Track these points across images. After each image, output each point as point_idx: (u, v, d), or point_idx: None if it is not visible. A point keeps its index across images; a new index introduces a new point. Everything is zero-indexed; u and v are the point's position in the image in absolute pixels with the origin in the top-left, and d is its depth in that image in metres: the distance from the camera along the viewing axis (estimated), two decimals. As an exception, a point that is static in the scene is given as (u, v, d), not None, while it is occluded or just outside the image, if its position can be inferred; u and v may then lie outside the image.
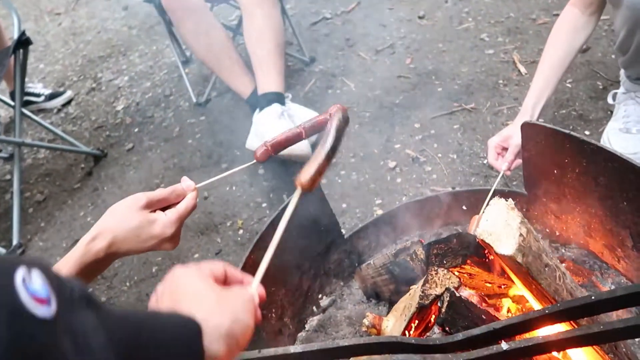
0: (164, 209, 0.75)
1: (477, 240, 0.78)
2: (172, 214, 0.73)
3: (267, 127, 1.51)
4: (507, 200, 0.81)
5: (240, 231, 1.52)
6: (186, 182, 0.78)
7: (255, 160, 0.86)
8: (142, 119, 2.21)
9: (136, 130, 2.14)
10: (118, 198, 1.72)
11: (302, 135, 0.88)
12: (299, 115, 1.64)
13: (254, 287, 0.58)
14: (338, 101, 1.97)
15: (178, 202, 0.76)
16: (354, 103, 1.93)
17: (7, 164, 2.13)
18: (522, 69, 1.88)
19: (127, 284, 1.45)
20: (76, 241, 1.63)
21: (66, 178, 1.97)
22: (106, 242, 0.72)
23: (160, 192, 0.75)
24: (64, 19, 3.60)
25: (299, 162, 1.54)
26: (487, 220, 0.78)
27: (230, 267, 0.60)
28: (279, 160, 1.56)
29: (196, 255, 1.47)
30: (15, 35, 1.74)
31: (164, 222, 0.72)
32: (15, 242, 1.65)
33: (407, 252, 0.93)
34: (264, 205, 1.59)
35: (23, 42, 1.74)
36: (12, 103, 1.79)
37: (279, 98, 1.60)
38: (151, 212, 0.73)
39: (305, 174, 0.67)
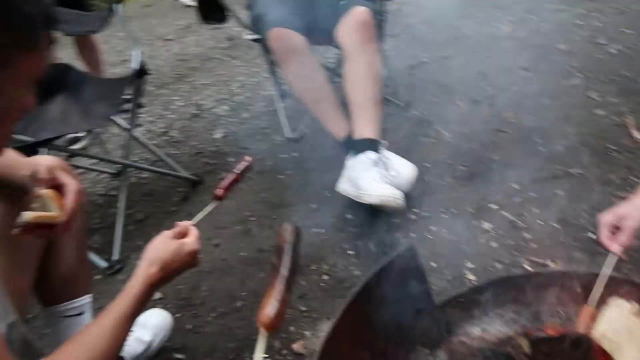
0: None
1: (593, 343, 0.73)
2: (193, 236, 0.97)
3: (360, 174, 1.52)
4: (629, 303, 0.74)
5: (325, 277, 1.52)
6: (183, 223, 1.01)
7: (216, 201, 1.16)
8: (238, 149, 2.31)
9: (232, 160, 2.24)
10: (210, 226, 1.78)
11: (239, 178, 1.24)
12: (393, 164, 1.64)
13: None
14: (432, 151, 1.94)
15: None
16: (448, 154, 1.89)
17: (114, 180, 2.30)
18: (637, 135, 1.75)
19: (212, 314, 1.49)
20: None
21: (165, 200, 2.08)
22: (158, 266, 0.90)
23: (174, 230, 0.98)
24: (174, 45, 3.88)
25: (376, 208, 1.52)
26: (607, 323, 0.72)
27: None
28: (369, 207, 1.55)
29: (280, 296, 1.49)
30: (136, 66, 1.89)
31: (190, 242, 0.95)
32: (115, 257, 1.77)
33: (511, 343, 0.88)
34: (350, 252, 1.59)
35: (141, 73, 1.89)
36: (127, 127, 1.94)
37: (374, 145, 1.61)
38: (178, 239, 0.96)
39: (266, 313, 0.70)
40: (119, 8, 1.96)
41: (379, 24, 1.82)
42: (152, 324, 1.42)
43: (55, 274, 1.18)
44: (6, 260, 1.03)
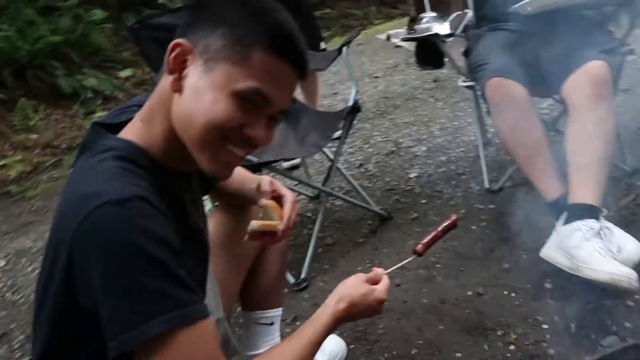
0: None
1: None
2: (383, 286, 0.99)
3: (578, 244, 1.36)
4: None
5: (512, 347, 1.39)
6: (379, 270, 1.04)
7: (415, 255, 1.15)
8: (431, 191, 2.28)
9: (423, 201, 2.22)
10: (393, 262, 1.78)
11: (439, 236, 1.19)
12: (615, 238, 1.43)
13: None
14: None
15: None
16: (685, 236, 1.58)
17: (310, 203, 2.48)
18: None
19: (386, 355, 1.48)
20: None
21: (354, 230, 2.16)
22: (346, 304, 0.93)
23: (369, 275, 1.01)
24: (381, 83, 4.07)
25: (599, 286, 1.33)
26: None
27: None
28: (574, 281, 1.38)
29: (458, 355, 1.41)
30: (351, 102, 2.03)
31: (381, 290, 0.98)
32: (303, 275, 1.89)
33: None
34: (545, 326, 1.43)
35: (355, 109, 2.01)
36: (331, 157, 2.08)
37: (593, 212, 1.43)
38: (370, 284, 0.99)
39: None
40: (345, 49, 2.13)
41: (614, 79, 1.63)
42: (329, 350, 1.47)
43: (258, 283, 1.31)
44: (225, 264, 1.18)
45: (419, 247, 1.15)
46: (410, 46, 4.55)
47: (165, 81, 0.82)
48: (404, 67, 4.29)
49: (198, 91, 0.79)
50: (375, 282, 1.01)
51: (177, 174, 0.89)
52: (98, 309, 0.72)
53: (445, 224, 1.20)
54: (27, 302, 2.19)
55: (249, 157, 1.82)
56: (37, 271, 2.43)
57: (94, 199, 0.72)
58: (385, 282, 1.01)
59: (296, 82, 0.86)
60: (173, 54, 0.80)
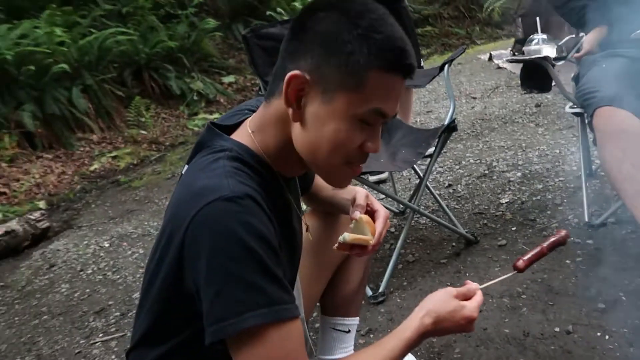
0: None
1: None
2: (474, 303, 0.93)
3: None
4: None
5: (601, 393, 1.29)
6: (473, 284, 0.98)
7: (515, 271, 1.05)
8: (523, 219, 2.18)
9: (513, 229, 2.13)
10: (478, 290, 1.69)
11: (545, 251, 1.07)
12: None
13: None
14: None
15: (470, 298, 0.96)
16: None
17: (395, 218, 2.48)
18: None
19: (460, 381, 1.44)
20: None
21: (437, 250, 2.13)
22: (432, 319, 0.90)
23: (461, 289, 0.95)
24: (478, 104, 3.97)
25: None
26: None
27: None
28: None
29: (539, 392, 1.33)
30: (447, 121, 2.00)
31: (471, 307, 0.92)
32: (381, 289, 1.89)
33: None
34: (642, 377, 1.31)
35: (451, 128, 1.98)
36: (421, 174, 2.07)
37: None
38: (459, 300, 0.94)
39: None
40: (446, 68, 2.11)
41: None
42: (402, 366, 1.46)
43: (339, 289, 1.34)
44: (311, 267, 1.22)
45: (520, 262, 1.05)
46: (514, 68, 4.40)
47: (280, 105, 0.85)
48: (504, 90, 4.15)
49: (320, 120, 0.83)
50: (466, 297, 0.95)
51: (284, 177, 0.95)
52: (201, 296, 0.78)
53: (553, 239, 1.08)
54: (125, 283, 2.39)
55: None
56: (135, 255, 2.66)
57: (209, 193, 0.78)
58: (477, 298, 0.94)
59: (404, 86, 0.88)
60: (291, 86, 0.82)
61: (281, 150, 0.89)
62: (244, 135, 0.91)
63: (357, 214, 1.06)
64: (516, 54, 2.28)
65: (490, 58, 5.49)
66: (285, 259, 0.91)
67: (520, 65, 2.23)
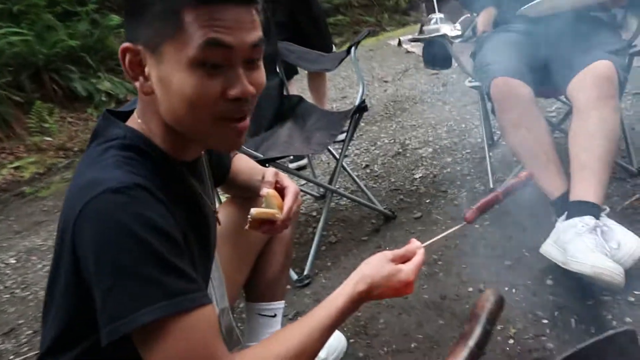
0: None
1: None
2: (412, 265, 0.91)
3: (571, 239, 1.36)
4: None
5: (511, 341, 1.39)
6: (414, 243, 0.96)
7: (465, 222, 1.04)
8: (436, 191, 2.29)
9: (427, 201, 2.23)
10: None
11: (500, 197, 1.06)
12: (616, 235, 1.42)
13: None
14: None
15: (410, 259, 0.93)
16: (690, 236, 1.57)
17: (316, 202, 2.50)
18: None
19: (385, 349, 1.49)
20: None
21: (357, 228, 2.18)
22: (366, 286, 0.87)
23: (399, 251, 0.93)
24: (390, 87, 4.10)
25: (596, 284, 1.33)
26: None
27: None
28: (574, 278, 1.37)
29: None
30: (358, 102, 2.05)
31: (408, 270, 0.89)
32: (306, 272, 1.90)
33: None
34: (545, 321, 1.42)
35: (361, 109, 2.03)
36: (337, 156, 2.10)
37: (594, 210, 1.43)
38: (396, 264, 0.91)
39: None
40: (353, 50, 2.15)
41: (621, 80, 1.63)
42: (329, 343, 1.47)
43: (263, 275, 1.33)
44: (232, 254, 1.20)
45: (469, 213, 1.02)
46: (421, 51, 4.58)
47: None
48: (413, 72, 4.32)
49: (163, 83, 0.77)
50: (405, 259, 0.92)
51: (185, 164, 0.90)
52: (94, 295, 0.74)
53: (513, 182, 1.03)
54: (36, 299, 2.23)
55: (256, 153, 1.86)
56: (46, 268, 2.48)
57: (96, 186, 0.74)
58: (416, 259, 0.91)
59: (248, 12, 0.77)
60: (127, 60, 0.79)
61: (166, 133, 0.84)
62: (135, 121, 0.87)
63: (265, 190, 1.05)
64: (419, 34, 2.37)
65: (400, 43, 5.68)
66: (195, 247, 0.89)
67: (423, 44, 2.33)
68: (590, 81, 1.59)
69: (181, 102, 0.77)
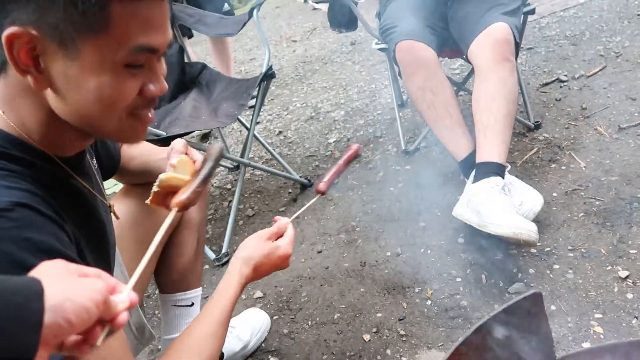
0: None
1: None
2: (287, 239, 0.99)
3: (484, 201, 1.41)
4: None
5: (429, 302, 1.44)
6: (282, 220, 1.02)
7: (318, 195, 1.17)
8: (350, 156, 2.29)
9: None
10: (314, 230, 1.77)
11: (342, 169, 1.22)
12: (518, 191, 1.50)
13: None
14: (562, 180, 1.76)
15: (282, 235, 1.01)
16: (581, 185, 1.70)
17: (230, 174, 2.42)
18: None
19: (309, 322, 1.49)
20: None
21: (274, 199, 2.13)
22: (250, 268, 0.95)
23: (271, 229, 1.00)
24: (299, 47, 3.99)
25: (512, 243, 1.40)
26: None
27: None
28: (484, 235, 1.44)
29: (379, 315, 1.44)
30: (264, 69, 1.95)
31: (285, 246, 0.98)
32: (224, 250, 1.84)
33: None
34: (458, 280, 1.49)
35: (269, 75, 1.94)
36: (248, 126, 2.01)
37: (499, 170, 1.49)
38: (272, 241, 0.99)
39: (182, 196, 0.80)
40: (255, 12, 2.04)
41: (517, 42, 1.69)
42: (252, 324, 1.45)
43: (174, 264, 1.25)
44: (134, 247, 1.11)
45: (321, 185, 1.18)
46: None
47: (16, 77, 0.68)
48: (321, 31, 4.23)
49: (74, 81, 0.67)
50: (279, 235, 1.01)
51: (65, 160, 0.79)
52: None
53: (348, 154, 1.23)
54: None
55: (157, 131, 1.73)
56: None
57: None
58: (289, 234, 1.01)
59: (167, 7, 0.71)
60: (15, 48, 0.64)
61: (46, 126, 0.72)
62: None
63: (175, 159, 0.90)
64: (323, -6, 2.28)
65: (306, 0, 5.54)
66: (90, 256, 0.80)
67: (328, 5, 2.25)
68: (487, 44, 1.62)
69: (96, 102, 0.69)
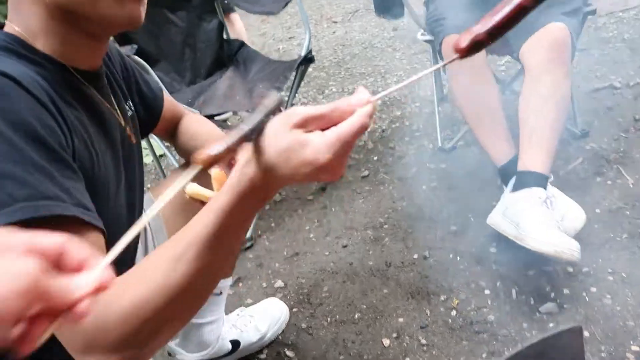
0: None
1: None
2: (331, 133, 0.52)
3: (524, 213, 1.34)
4: None
5: (454, 312, 1.39)
6: (360, 94, 0.55)
7: (457, 55, 0.59)
8: (384, 148, 2.23)
9: (375, 158, 2.17)
10: (341, 222, 1.72)
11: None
12: (559, 205, 1.42)
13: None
14: (607, 195, 1.66)
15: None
16: (627, 204, 1.61)
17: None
18: None
19: (329, 319, 1.46)
20: (295, 254, 1.71)
21: (303, 187, 2.09)
22: (256, 167, 0.56)
23: (319, 108, 0.54)
24: (339, 29, 3.89)
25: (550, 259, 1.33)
26: None
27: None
28: (518, 247, 1.37)
29: (401, 320, 1.40)
30: (304, 52, 1.90)
31: (317, 144, 0.52)
32: (249, 234, 1.82)
33: None
34: (487, 292, 1.43)
35: (308, 60, 1.88)
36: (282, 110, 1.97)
37: (542, 181, 1.41)
38: (307, 132, 0.54)
39: (211, 150, 0.49)
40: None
41: (574, 44, 1.58)
42: (271, 314, 1.43)
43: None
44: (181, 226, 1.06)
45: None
46: (371, -10, 4.35)
47: None
48: (364, 13, 4.11)
49: None
50: (329, 121, 0.54)
51: (79, 72, 0.77)
52: None
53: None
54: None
55: (191, 109, 1.70)
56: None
57: None
58: (345, 127, 0.52)
59: None
60: None
61: (51, 28, 0.72)
62: (10, 28, 0.73)
63: (213, 170, 0.86)
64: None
65: (350, -22, 5.38)
66: (107, 164, 0.78)
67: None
68: (543, 45, 1.52)
69: None
